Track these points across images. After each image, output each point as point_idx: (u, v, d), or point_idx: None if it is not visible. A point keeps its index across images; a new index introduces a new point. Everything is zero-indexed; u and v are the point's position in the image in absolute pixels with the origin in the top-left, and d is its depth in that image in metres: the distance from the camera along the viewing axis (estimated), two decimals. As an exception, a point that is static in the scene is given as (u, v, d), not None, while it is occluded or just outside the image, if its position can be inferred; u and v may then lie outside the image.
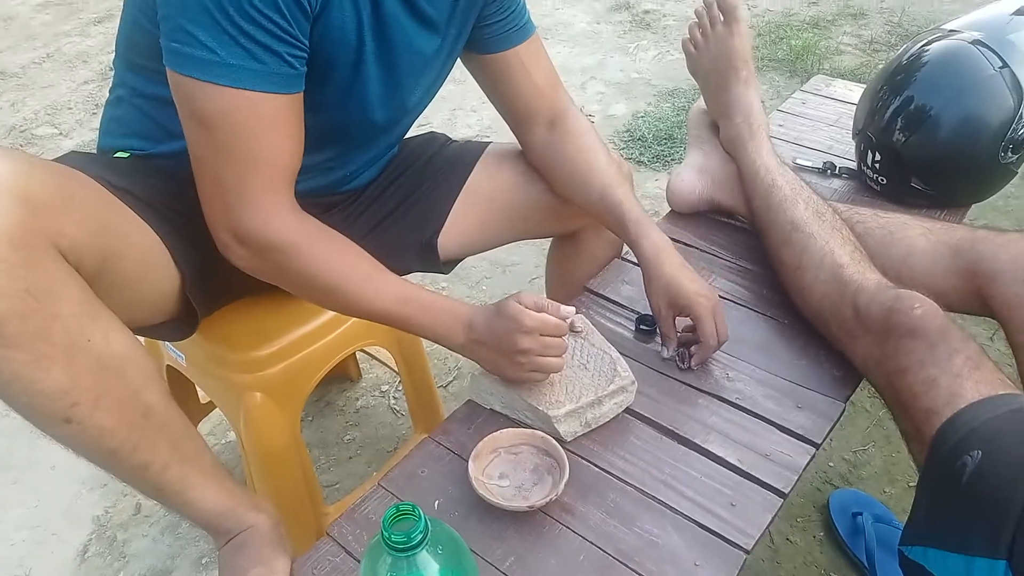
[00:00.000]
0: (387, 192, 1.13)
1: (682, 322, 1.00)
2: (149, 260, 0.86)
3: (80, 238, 0.72)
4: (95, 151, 1.05)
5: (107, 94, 1.04)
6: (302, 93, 0.82)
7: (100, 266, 0.76)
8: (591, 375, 0.93)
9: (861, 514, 1.26)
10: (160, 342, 1.18)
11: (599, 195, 1.05)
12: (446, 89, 1.11)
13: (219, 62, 0.74)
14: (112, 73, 1.01)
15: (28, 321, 0.66)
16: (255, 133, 0.79)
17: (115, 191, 0.83)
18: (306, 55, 0.81)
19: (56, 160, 0.84)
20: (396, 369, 1.35)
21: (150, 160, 0.97)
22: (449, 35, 0.99)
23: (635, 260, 1.14)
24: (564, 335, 0.90)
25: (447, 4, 0.94)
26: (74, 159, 0.87)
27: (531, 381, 0.91)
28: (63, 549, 1.36)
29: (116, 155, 0.99)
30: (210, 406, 1.44)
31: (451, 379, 1.67)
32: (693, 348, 0.98)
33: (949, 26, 1.22)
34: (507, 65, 1.05)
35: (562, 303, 0.90)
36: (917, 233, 1.03)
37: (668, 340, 1.00)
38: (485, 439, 0.86)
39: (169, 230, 0.88)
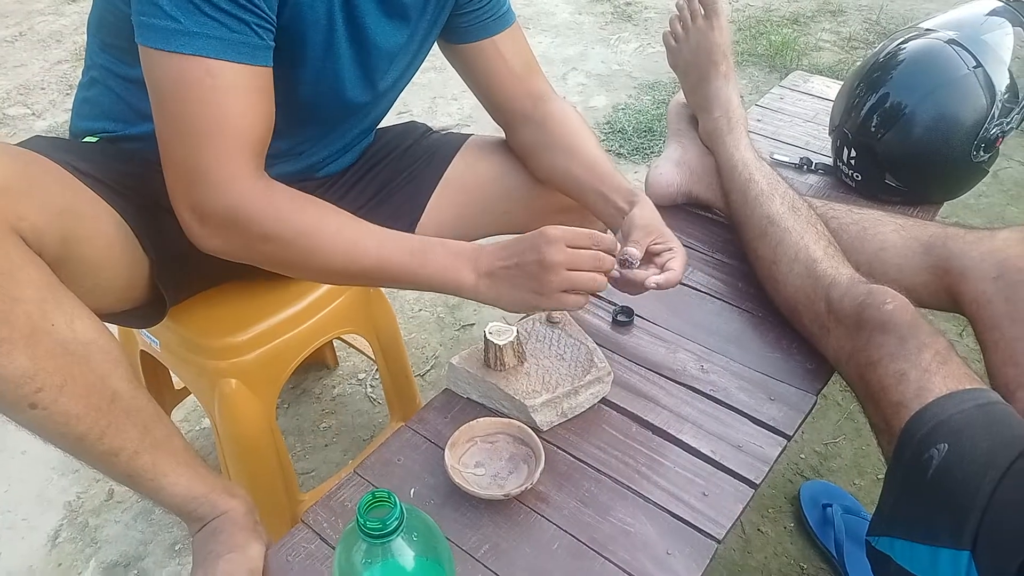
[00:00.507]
0: (364, 181, 1.12)
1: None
2: (115, 245, 0.85)
3: (42, 222, 0.72)
4: (67, 133, 1.04)
5: (80, 75, 1.02)
6: (270, 69, 0.80)
7: (63, 251, 0.75)
8: (568, 365, 0.93)
9: (831, 505, 1.29)
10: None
11: (587, 166, 1.03)
12: (426, 76, 1.11)
13: (181, 31, 0.73)
14: (85, 54, 0.99)
15: None
16: (216, 102, 0.76)
17: (80, 176, 0.82)
18: (273, 29, 0.79)
19: (19, 144, 0.83)
20: (373, 357, 1.35)
21: (119, 144, 0.96)
22: (423, 23, 0.98)
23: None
24: (601, 250, 0.81)
25: None
26: (38, 143, 0.86)
27: (569, 306, 0.83)
28: (33, 535, 1.35)
29: (84, 140, 0.97)
30: (184, 392, 1.43)
31: (428, 368, 1.67)
32: (664, 272, 0.92)
33: (925, 25, 1.23)
34: (484, 54, 1.05)
35: None
36: (890, 229, 1.04)
37: (628, 254, 0.91)
38: (461, 428, 0.86)
39: (136, 215, 0.87)
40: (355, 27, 0.89)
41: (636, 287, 0.92)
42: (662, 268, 0.92)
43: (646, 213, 0.95)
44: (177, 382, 1.41)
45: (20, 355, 0.67)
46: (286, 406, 1.57)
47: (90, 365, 0.73)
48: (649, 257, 0.94)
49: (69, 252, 0.75)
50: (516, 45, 1.06)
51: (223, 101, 0.76)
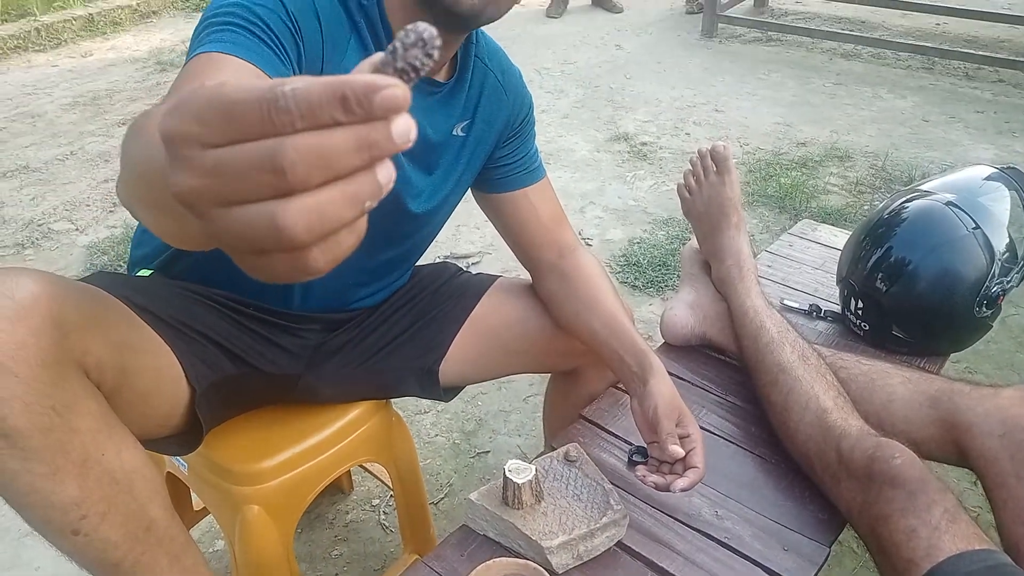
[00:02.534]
0: (395, 316, 1.18)
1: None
2: (164, 376, 0.90)
3: (103, 356, 0.77)
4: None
5: None
6: (268, 77, 0.76)
7: (119, 382, 0.80)
8: (584, 506, 0.96)
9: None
10: (162, 448, 1.21)
11: (605, 322, 1.08)
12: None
13: (200, 44, 0.75)
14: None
15: (50, 435, 0.70)
16: (205, 69, 0.71)
17: (137, 310, 0.88)
18: (288, 58, 0.81)
19: (84, 279, 0.90)
20: (390, 485, 1.37)
21: (171, 269, 1.03)
22: (455, 172, 1.06)
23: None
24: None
25: (448, 134, 1.02)
26: (101, 279, 0.93)
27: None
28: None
29: (139, 273, 1.05)
30: (202, 513, 1.44)
31: (442, 496, 1.68)
32: (687, 472, 0.97)
33: (925, 187, 1.32)
34: (515, 205, 1.13)
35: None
36: (897, 381, 1.08)
37: (673, 455, 0.96)
38: (478, 567, 0.88)
39: (184, 348, 0.93)
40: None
41: (662, 490, 0.96)
42: (685, 462, 0.96)
43: (665, 392, 0.99)
44: (196, 502, 1.43)
45: (71, 483, 0.71)
46: (299, 530, 1.57)
47: (132, 494, 0.77)
48: (667, 441, 0.97)
49: (124, 383, 0.80)
50: (545, 198, 1.15)
51: (212, 74, 0.71)
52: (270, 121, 0.31)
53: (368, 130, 0.32)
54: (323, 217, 0.32)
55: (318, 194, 0.32)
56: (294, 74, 0.81)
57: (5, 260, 2.50)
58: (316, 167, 0.31)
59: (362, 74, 0.32)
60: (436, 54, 0.33)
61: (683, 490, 0.95)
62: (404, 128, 0.33)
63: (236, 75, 0.71)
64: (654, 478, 0.96)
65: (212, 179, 0.32)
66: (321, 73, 0.85)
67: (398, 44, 0.33)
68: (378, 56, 0.33)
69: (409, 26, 0.33)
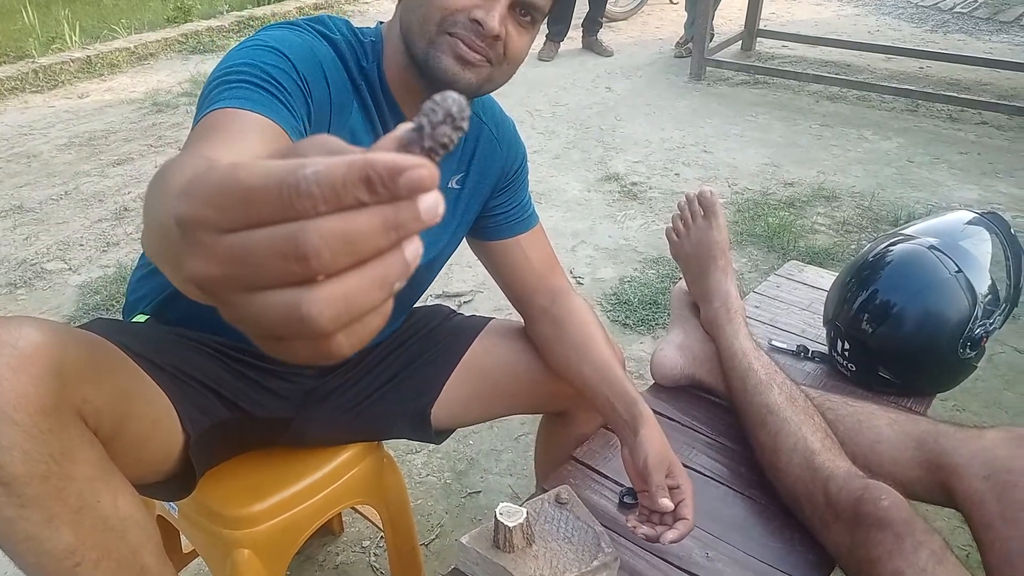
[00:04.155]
0: (388, 359, 1.19)
1: None
2: (159, 422, 0.91)
3: (101, 404, 0.78)
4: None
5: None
6: (286, 133, 0.77)
7: (116, 428, 0.81)
8: (575, 549, 0.96)
9: None
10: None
11: (597, 368, 1.09)
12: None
13: (213, 101, 0.76)
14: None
15: (47, 483, 0.71)
16: (225, 130, 0.72)
17: (134, 356, 0.89)
18: (300, 115, 0.83)
19: (83, 326, 0.91)
20: (380, 526, 1.36)
21: (165, 321, 1.04)
22: (451, 223, 1.09)
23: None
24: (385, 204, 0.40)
25: (443, 187, 1.05)
26: (99, 326, 0.94)
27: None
28: None
29: (136, 318, 1.06)
30: (191, 555, 1.43)
31: (433, 537, 1.67)
32: (676, 524, 0.98)
33: (908, 231, 1.35)
34: (509, 252, 1.15)
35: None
36: (884, 423, 1.09)
37: (663, 508, 0.97)
38: (470, 611, 0.88)
39: (179, 393, 0.94)
40: None
41: (652, 541, 0.97)
42: (675, 514, 0.97)
43: (655, 444, 1.00)
44: (186, 544, 1.42)
45: (66, 531, 0.71)
46: (289, 573, 1.56)
47: (126, 539, 0.77)
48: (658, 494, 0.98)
49: (120, 429, 0.81)
50: (538, 245, 1.17)
51: (233, 132, 0.72)
52: (291, 206, 0.29)
53: (395, 210, 0.30)
54: (350, 304, 0.30)
55: (344, 280, 0.30)
56: (305, 131, 0.82)
57: (-3, 299, 2.51)
58: (341, 252, 0.29)
59: (385, 152, 0.31)
60: (466, 126, 0.32)
61: (672, 542, 0.96)
62: (432, 204, 0.31)
63: (254, 131, 0.72)
64: (644, 529, 0.97)
65: (230, 266, 0.30)
66: (328, 132, 0.87)
67: (425, 121, 0.31)
68: (404, 131, 0.32)
69: (437, 97, 0.31)
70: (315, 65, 0.87)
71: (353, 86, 0.93)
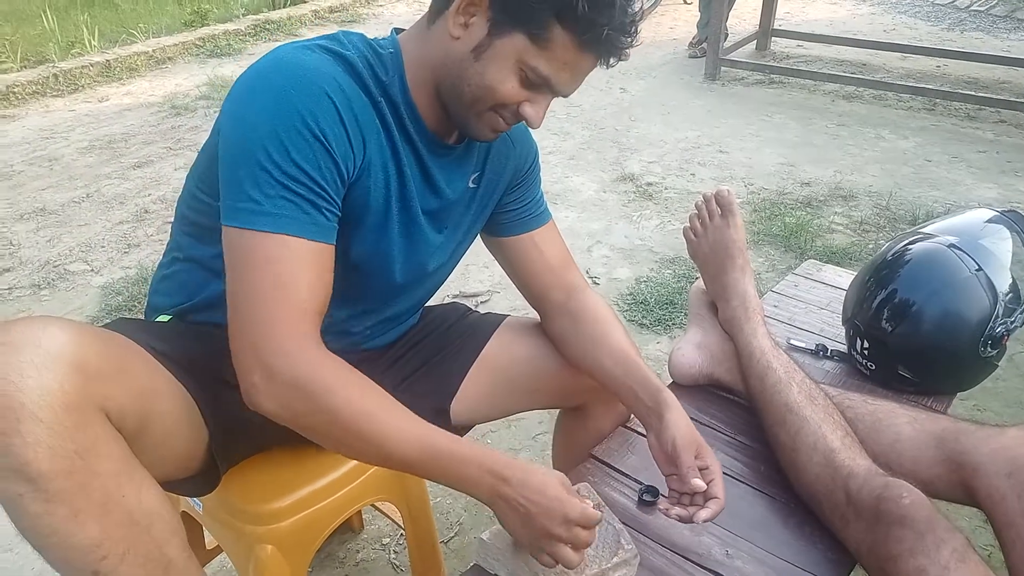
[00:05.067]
0: (406, 357, 1.20)
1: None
2: (182, 420, 0.93)
3: (125, 401, 0.79)
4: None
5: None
6: (333, 247, 0.90)
7: (139, 425, 0.83)
8: (595, 546, 0.96)
9: None
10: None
11: (617, 360, 1.09)
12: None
13: (263, 212, 0.84)
14: (169, 240, 1.12)
15: (72, 478, 0.72)
16: (290, 274, 0.84)
17: (157, 355, 0.91)
18: (338, 213, 0.90)
19: (106, 326, 0.93)
20: (400, 524, 1.38)
21: (189, 318, 1.06)
22: (466, 218, 1.10)
23: (640, 430, 1.21)
24: (594, 528, 0.89)
25: (464, 188, 1.06)
26: (122, 325, 0.96)
27: (540, 562, 0.90)
28: None
29: (158, 319, 1.08)
30: (215, 552, 1.45)
31: (452, 535, 1.68)
32: (708, 503, 0.98)
33: (927, 229, 1.34)
34: (523, 248, 1.16)
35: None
36: (903, 421, 1.09)
37: (695, 488, 0.97)
38: (491, 607, 0.89)
39: (201, 392, 0.95)
40: (408, 216, 1.01)
41: (685, 521, 0.98)
42: (706, 494, 0.98)
43: (682, 426, 1.01)
44: (210, 541, 1.44)
45: (92, 525, 0.73)
46: (310, 570, 1.57)
47: (151, 534, 0.78)
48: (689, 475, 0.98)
49: (144, 427, 0.83)
50: (552, 240, 1.18)
51: (297, 273, 0.85)
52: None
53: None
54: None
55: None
56: (340, 195, 0.91)
57: (21, 300, 2.54)
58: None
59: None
60: (584, 498, 0.88)
61: (706, 521, 0.96)
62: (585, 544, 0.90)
63: (308, 267, 0.86)
64: (677, 510, 0.98)
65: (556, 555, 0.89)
66: (360, 169, 0.93)
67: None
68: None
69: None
70: (334, 119, 0.88)
71: (372, 103, 0.94)
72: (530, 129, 1.15)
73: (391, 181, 0.97)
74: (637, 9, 0.90)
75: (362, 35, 0.98)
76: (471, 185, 1.09)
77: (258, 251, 0.84)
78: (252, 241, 0.84)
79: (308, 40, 0.94)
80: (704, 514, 0.96)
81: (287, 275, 0.85)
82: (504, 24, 0.87)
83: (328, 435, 0.88)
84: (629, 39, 0.90)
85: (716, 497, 0.97)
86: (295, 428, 0.88)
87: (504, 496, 0.88)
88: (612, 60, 0.92)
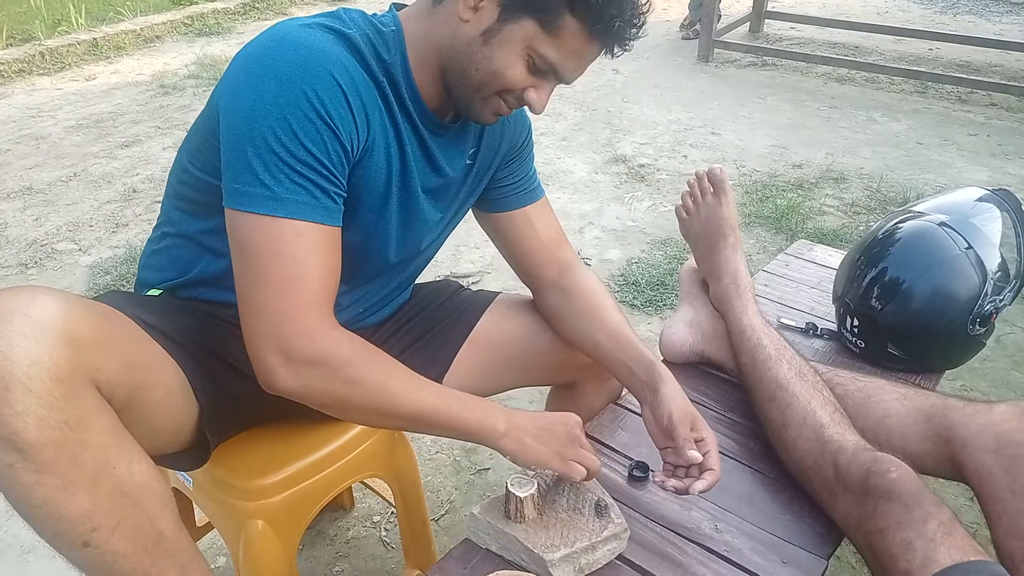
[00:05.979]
0: (398, 334, 1.20)
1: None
2: (173, 393, 0.92)
3: (115, 373, 0.79)
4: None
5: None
6: (340, 229, 0.91)
7: (129, 397, 0.82)
8: (586, 520, 0.97)
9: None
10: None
11: (610, 334, 1.10)
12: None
13: (273, 197, 0.83)
14: (159, 215, 1.11)
15: (62, 449, 0.72)
16: (303, 258, 0.86)
17: (148, 328, 0.90)
18: (344, 195, 0.91)
19: (97, 298, 0.92)
20: (391, 501, 1.38)
21: (180, 293, 1.05)
22: (461, 193, 1.10)
23: (631, 407, 1.21)
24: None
25: (462, 166, 1.06)
26: (113, 298, 0.95)
27: (574, 475, 0.96)
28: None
29: (149, 292, 1.07)
30: (205, 528, 1.44)
31: (443, 513, 1.69)
32: (704, 475, 0.99)
33: (918, 208, 1.34)
34: (516, 223, 1.15)
35: None
36: (892, 398, 1.10)
37: (692, 459, 0.99)
38: (482, 580, 0.89)
39: (191, 364, 0.95)
40: (408, 196, 1.00)
41: (681, 493, 1.00)
42: (701, 465, 0.99)
43: (677, 399, 1.02)
44: (200, 518, 1.44)
45: (82, 496, 0.73)
46: (301, 547, 1.58)
47: (142, 506, 0.78)
48: (685, 446, 1.00)
49: (134, 399, 0.82)
50: (545, 216, 1.17)
51: (309, 258, 0.86)
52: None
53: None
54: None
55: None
56: (346, 176, 0.91)
57: (8, 280, 2.52)
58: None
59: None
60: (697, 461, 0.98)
61: (702, 492, 0.98)
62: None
63: (320, 251, 0.87)
64: (673, 482, 0.99)
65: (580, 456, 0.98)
66: (364, 150, 0.93)
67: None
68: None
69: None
70: (341, 103, 0.87)
71: (375, 83, 0.93)
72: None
73: (393, 161, 0.96)
74: (646, 1, 0.91)
75: (362, 12, 0.96)
76: (468, 162, 1.08)
77: (270, 236, 0.85)
78: (263, 225, 0.84)
79: (307, 18, 0.92)
80: (700, 485, 0.97)
81: (301, 260, 0.85)
82: (515, 9, 0.87)
83: (348, 406, 0.92)
84: (636, 31, 0.91)
85: (712, 468, 0.98)
86: (313, 405, 0.91)
87: (518, 424, 0.96)
88: (617, 50, 0.92)
